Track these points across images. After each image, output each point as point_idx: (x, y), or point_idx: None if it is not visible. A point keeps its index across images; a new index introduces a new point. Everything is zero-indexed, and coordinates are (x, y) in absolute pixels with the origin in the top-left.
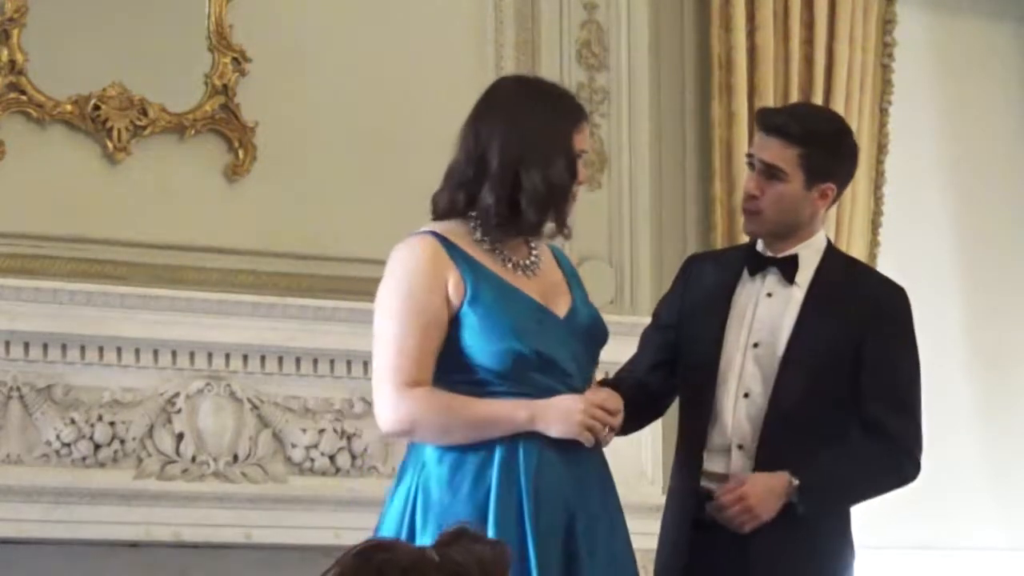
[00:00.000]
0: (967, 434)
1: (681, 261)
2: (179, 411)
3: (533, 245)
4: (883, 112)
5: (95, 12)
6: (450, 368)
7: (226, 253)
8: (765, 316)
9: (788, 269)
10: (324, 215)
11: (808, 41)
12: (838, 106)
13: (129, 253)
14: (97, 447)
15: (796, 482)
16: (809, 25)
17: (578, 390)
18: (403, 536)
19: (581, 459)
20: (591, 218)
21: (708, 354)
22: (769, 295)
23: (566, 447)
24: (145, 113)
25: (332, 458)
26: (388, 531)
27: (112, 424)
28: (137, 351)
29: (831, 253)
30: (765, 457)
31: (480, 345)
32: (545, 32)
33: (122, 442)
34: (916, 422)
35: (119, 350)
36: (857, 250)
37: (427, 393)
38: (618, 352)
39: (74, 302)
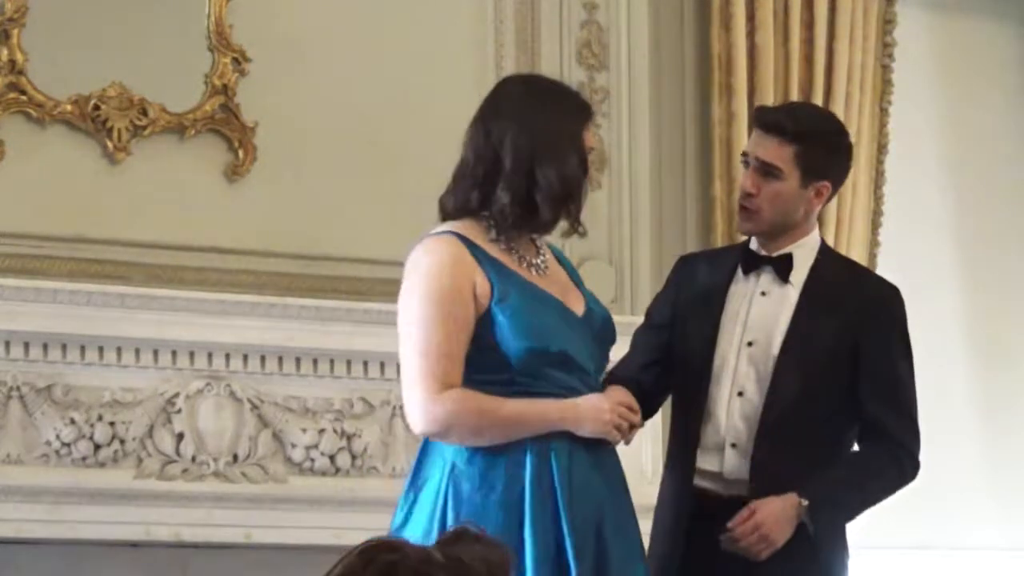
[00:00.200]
0: (966, 434)
1: None
2: (179, 411)
3: (539, 244)
4: (883, 112)
5: (95, 12)
6: (476, 368)
7: (226, 253)
8: (759, 315)
9: (783, 268)
10: (324, 215)
11: (808, 41)
12: (838, 106)
13: (129, 253)
14: (97, 447)
15: (805, 502)
16: (809, 25)
17: (595, 389)
18: (435, 538)
19: (603, 459)
20: (591, 218)
21: (702, 353)
22: (763, 294)
23: (591, 446)
24: (145, 113)
25: (332, 458)
26: (416, 533)
27: (112, 424)
28: (137, 351)
29: (825, 252)
30: (762, 457)
31: (509, 345)
32: (545, 32)
33: (122, 442)
34: (914, 421)
35: (119, 350)
36: (857, 250)
37: (461, 395)
38: (617, 352)
39: (74, 302)
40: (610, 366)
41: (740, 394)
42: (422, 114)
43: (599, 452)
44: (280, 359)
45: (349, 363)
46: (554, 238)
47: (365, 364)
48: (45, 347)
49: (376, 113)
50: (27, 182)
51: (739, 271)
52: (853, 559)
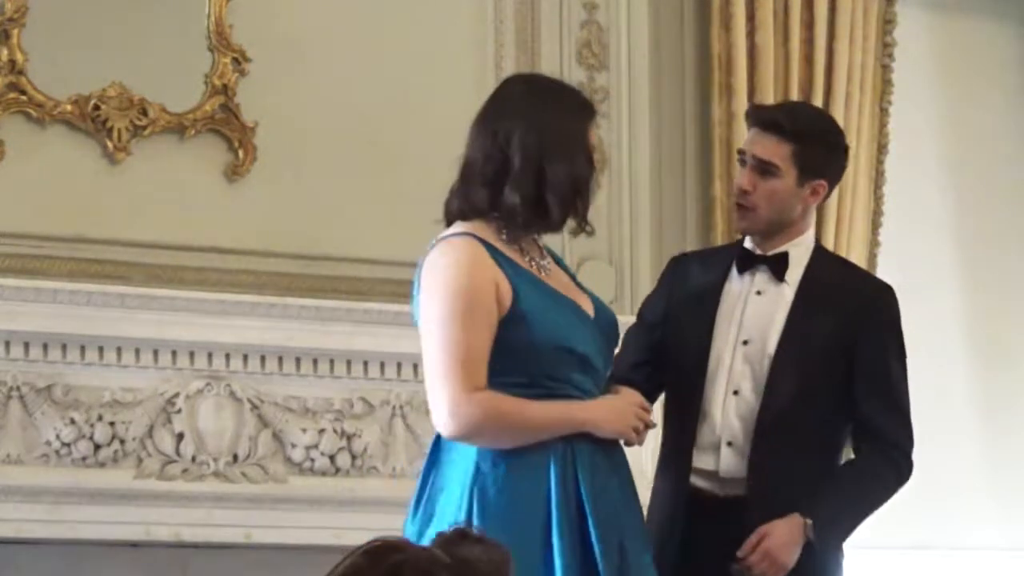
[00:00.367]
0: (966, 434)
1: None
2: (179, 411)
3: (541, 245)
4: (883, 112)
5: (95, 12)
6: (497, 370)
7: (226, 253)
8: (755, 314)
9: (778, 267)
10: (324, 215)
11: (808, 41)
12: (838, 106)
13: (129, 253)
14: (97, 447)
15: (811, 522)
16: (809, 25)
17: (604, 390)
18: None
19: (617, 460)
20: (591, 218)
21: (697, 352)
22: (759, 293)
23: (607, 448)
24: (145, 113)
25: (332, 458)
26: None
27: (112, 424)
28: (137, 351)
29: (820, 252)
30: (759, 458)
31: (530, 347)
32: (545, 32)
33: (122, 442)
34: (908, 420)
35: (119, 350)
36: (857, 250)
37: (490, 397)
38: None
39: (74, 302)
40: None
41: (735, 393)
42: (422, 114)
43: (613, 453)
44: (280, 359)
45: (349, 363)
46: (555, 239)
47: (365, 364)
48: (45, 347)
49: (376, 113)
50: (27, 182)
51: (733, 270)
52: (854, 559)
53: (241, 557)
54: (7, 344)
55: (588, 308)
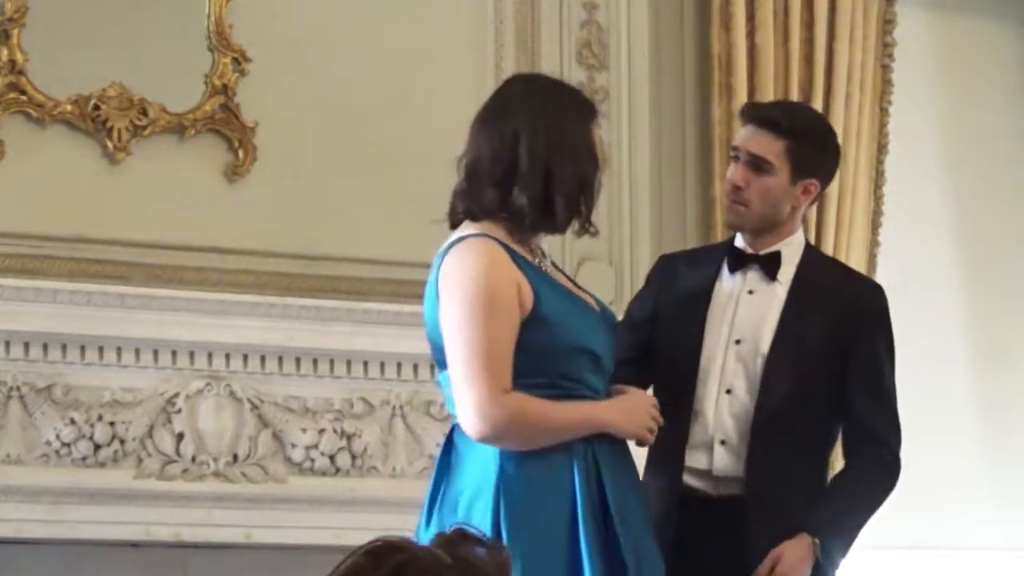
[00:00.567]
0: (966, 434)
1: None
2: (179, 411)
3: (542, 246)
4: (883, 112)
5: (95, 12)
6: (517, 372)
7: (226, 253)
8: (747, 313)
9: (770, 266)
10: (324, 215)
11: (808, 41)
12: (838, 106)
13: (129, 253)
14: (97, 447)
15: (818, 541)
16: (809, 25)
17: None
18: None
19: (629, 459)
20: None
21: (688, 351)
22: (750, 292)
23: (620, 447)
24: (145, 113)
25: (332, 458)
26: None
27: (112, 424)
28: (137, 351)
29: (810, 251)
30: (756, 458)
31: (551, 348)
32: (545, 32)
33: (122, 442)
34: (898, 420)
35: (119, 350)
36: (857, 250)
37: (516, 399)
38: None
39: (74, 302)
40: None
41: (728, 392)
42: (422, 114)
43: (624, 453)
44: (280, 359)
45: (349, 363)
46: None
47: (365, 364)
48: (45, 347)
49: (376, 113)
50: (27, 182)
51: (724, 269)
52: (854, 559)
53: (241, 557)
54: (7, 344)
55: (594, 307)
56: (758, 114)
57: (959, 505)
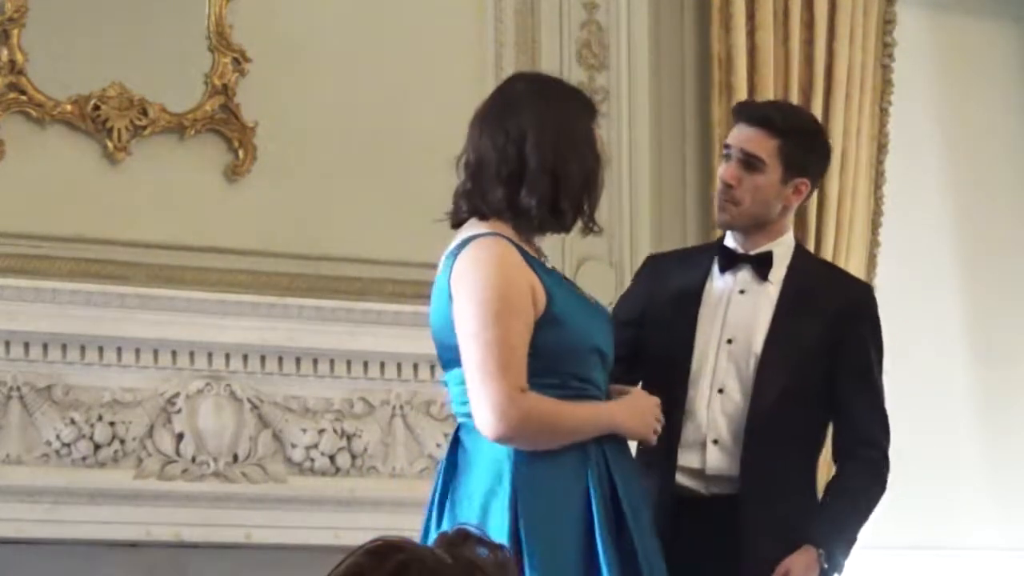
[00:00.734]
0: (966, 434)
1: None
2: (179, 411)
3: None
4: (883, 112)
5: (95, 12)
6: (530, 372)
7: (226, 253)
8: (739, 313)
9: (762, 266)
10: (324, 215)
11: (808, 41)
12: (838, 106)
13: (129, 253)
14: (97, 447)
15: (823, 551)
16: (809, 25)
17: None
18: (509, 543)
19: (634, 461)
20: None
21: (680, 351)
22: (742, 292)
23: (625, 447)
24: (145, 113)
25: (332, 458)
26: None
27: (112, 424)
28: (137, 351)
29: (800, 251)
30: (751, 458)
31: (564, 349)
32: (545, 32)
33: (122, 442)
34: (887, 418)
35: (119, 350)
36: (857, 250)
37: (533, 399)
38: None
39: (74, 302)
40: None
41: (720, 391)
42: (422, 114)
43: (629, 453)
44: (280, 359)
45: (349, 363)
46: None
47: (365, 364)
48: (45, 347)
49: (376, 113)
50: (27, 182)
51: (715, 269)
52: (854, 559)
53: (241, 557)
54: (7, 344)
55: (597, 306)
56: (751, 113)
57: (959, 505)
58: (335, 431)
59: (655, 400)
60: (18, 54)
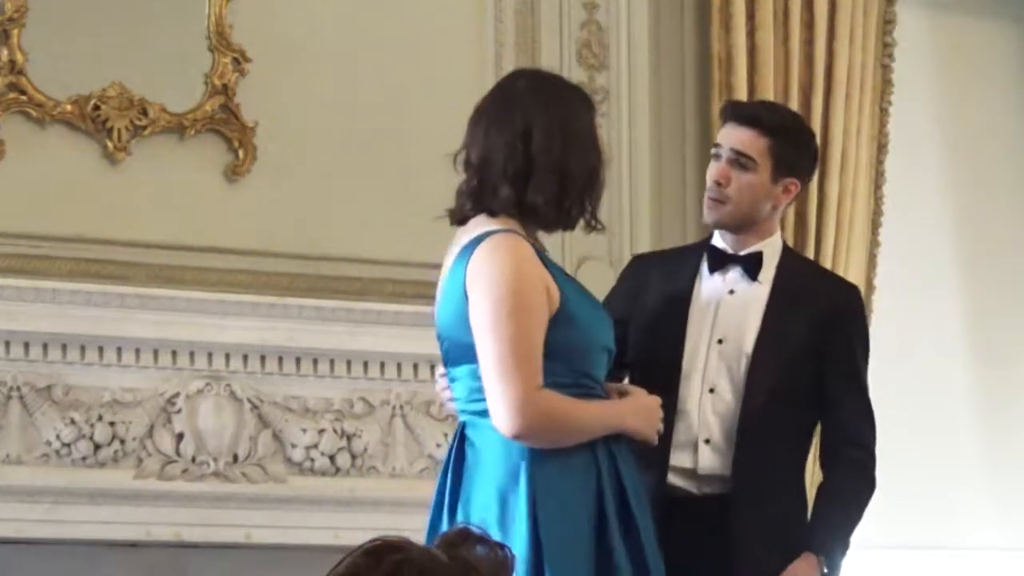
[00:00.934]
0: (967, 434)
1: None
2: (179, 411)
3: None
4: (883, 112)
5: (95, 12)
6: (544, 370)
7: (226, 253)
8: (729, 313)
9: (751, 266)
10: (324, 215)
11: (808, 41)
12: (838, 106)
13: (129, 253)
14: (97, 447)
15: (823, 558)
16: (809, 25)
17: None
18: (528, 539)
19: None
20: None
21: (670, 351)
22: (732, 292)
23: (629, 447)
24: (145, 113)
25: (332, 458)
26: (519, 538)
27: (112, 424)
28: (137, 351)
29: (788, 252)
30: (743, 457)
31: (577, 347)
32: (545, 32)
33: (122, 442)
34: (873, 417)
35: (119, 350)
36: (857, 250)
37: (550, 397)
38: None
39: (74, 302)
40: None
41: (711, 391)
42: (422, 114)
43: (632, 451)
44: (280, 359)
45: (349, 363)
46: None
47: (365, 364)
48: (45, 347)
49: (376, 113)
50: (27, 182)
51: (703, 269)
52: (854, 559)
53: (241, 557)
54: (7, 344)
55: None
56: (741, 112)
57: (959, 505)
58: (335, 431)
59: (657, 400)
60: (18, 54)
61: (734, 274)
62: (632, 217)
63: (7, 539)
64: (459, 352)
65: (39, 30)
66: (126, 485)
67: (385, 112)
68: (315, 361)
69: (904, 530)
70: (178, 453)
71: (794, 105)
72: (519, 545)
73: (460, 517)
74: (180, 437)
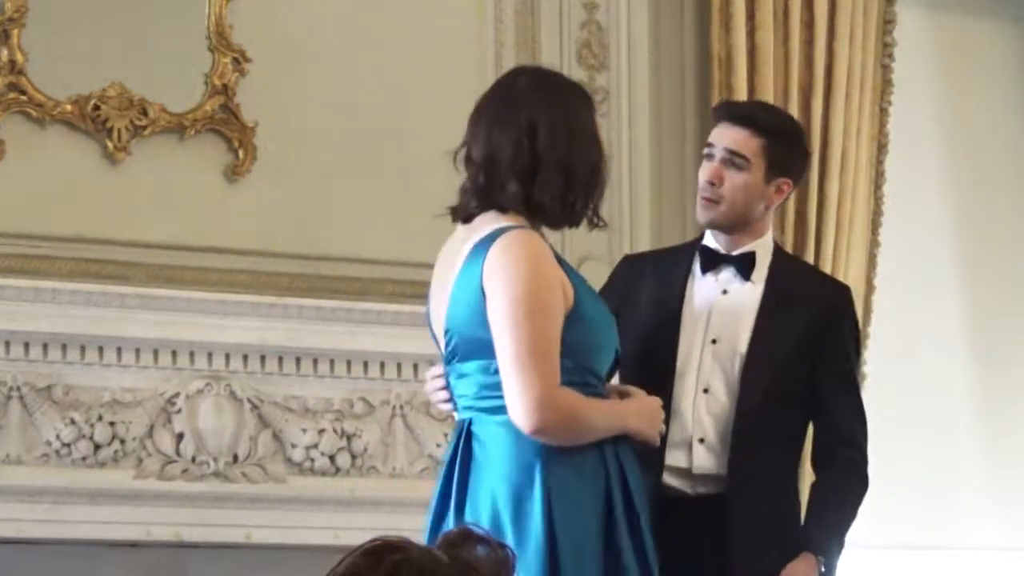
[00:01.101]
0: (967, 434)
1: None
2: (179, 411)
3: None
4: (883, 112)
5: (95, 12)
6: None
7: (226, 253)
8: (723, 313)
9: (745, 266)
10: (324, 215)
11: (808, 41)
12: (838, 106)
13: (129, 253)
14: (97, 447)
15: (821, 557)
16: (809, 25)
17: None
18: (543, 538)
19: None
20: None
21: (664, 351)
22: (725, 292)
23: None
24: (145, 113)
25: (332, 458)
26: (535, 537)
27: (112, 424)
28: (137, 351)
29: (779, 252)
30: (737, 459)
31: (588, 346)
32: (545, 32)
33: (122, 442)
34: (865, 417)
35: (119, 350)
36: (857, 250)
37: (570, 396)
38: None
39: (74, 302)
40: None
41: (706, 391)
42: (422, 114)
43: (634, 452)
44: (280, 359)
45: (349, 363)
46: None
47: (365, 364)
48: (45, 347)
49: (376, 113)
50: (27, 182)
51: (696, 269)
52: (854, 559)
53: (241, 557)
54: (7, 344)
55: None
56: (734, 112)
57: (959, 505)
58: (335, 431)
59: (658, 401)
60: (18, 54)
61: (727, 274)
62: (632, 217)
63: (7, 539)
64: (470, 348)
65: (39, 30)
66: (126, 485)
67: (385, 112)
68: (315, 361)
69: (904, 530)
70: (178, 453)
71: (794, 105)
72: (534, 544)
73: (469, 514)
74: (180, 437)
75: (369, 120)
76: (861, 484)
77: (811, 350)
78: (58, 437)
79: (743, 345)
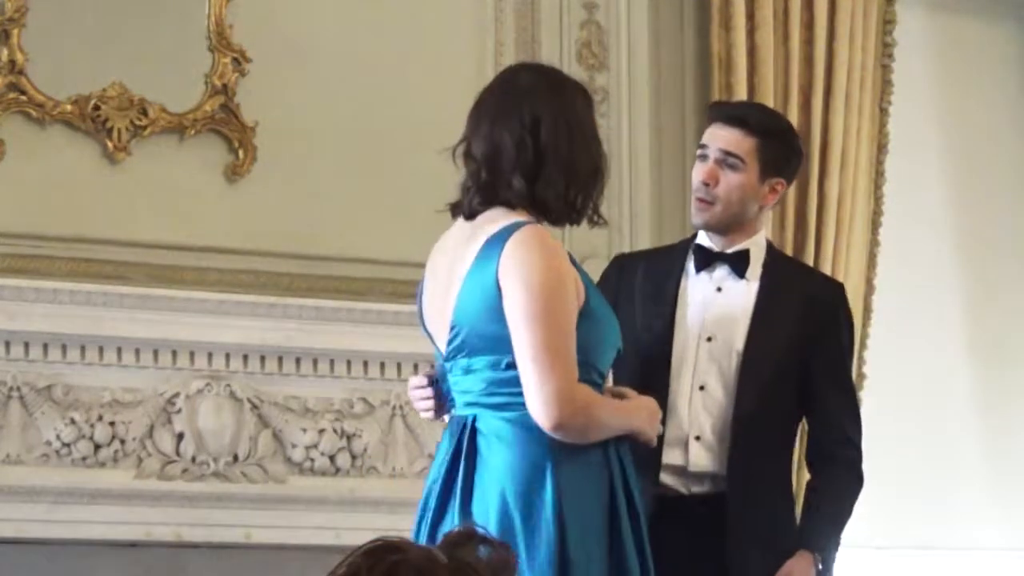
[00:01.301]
0: (967, 434)
1: None
2: (179, 411)
3: None
4: (883, 112)
5: (95, 12)
6: None
7: (226, 253)
8: (718, 311)
9: (739, 264)
10: (324, 215)
11: (808, 41)
12: (838, 106)
13: (129, 253)
14: (97, 447)
15: (819, 555)
16: (809, 25)
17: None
18: (555, 537)
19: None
20: None
21: (659, 349)
22: (719, 290)
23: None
24: (145, 113)
25: (332, 458)
26: (547, 535)
27: (112, 424)
28: (137, 351)
29: (772, 250)
30: (735, 457)
31: (597, 344)
32: (545, 32)
33: (122, 442)
34: (860, 414)
35: (119, 350)
36: (857, 250)
37: (588, 393)
38: None
39: (74, 302)
40: None
41: (702, 388)
42: (422, 114)
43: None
44: (280, 359)
45: (349, 363)
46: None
47: (365, 364)
48: (45, 347)
49: (376, 113)
50: (27, 182)
51: (690, 267)
52: (854, 559)
53: (241, 557)
54: (7, 344)
55: None
56: (728, 112)
57: (959, 505)
58: (335, 431)
59: (655, 402)
60: (18, 54)
61: (721, 272)
62: (632, 217)
63: (7, 539)
64: (482, 343)
65: (39, 30)
66: (126, 485)
67: (385, 112)
68: (315, 361)
69: (904, 530)
70: (178, 453)
71: (794, 105)
72: (545, 542)
73: (476, 511)
74: (180, 437)
75: (369, 120)
76: (857, 481)
77: (806, 347)
78: (58, 437)
79: (739, 342)
